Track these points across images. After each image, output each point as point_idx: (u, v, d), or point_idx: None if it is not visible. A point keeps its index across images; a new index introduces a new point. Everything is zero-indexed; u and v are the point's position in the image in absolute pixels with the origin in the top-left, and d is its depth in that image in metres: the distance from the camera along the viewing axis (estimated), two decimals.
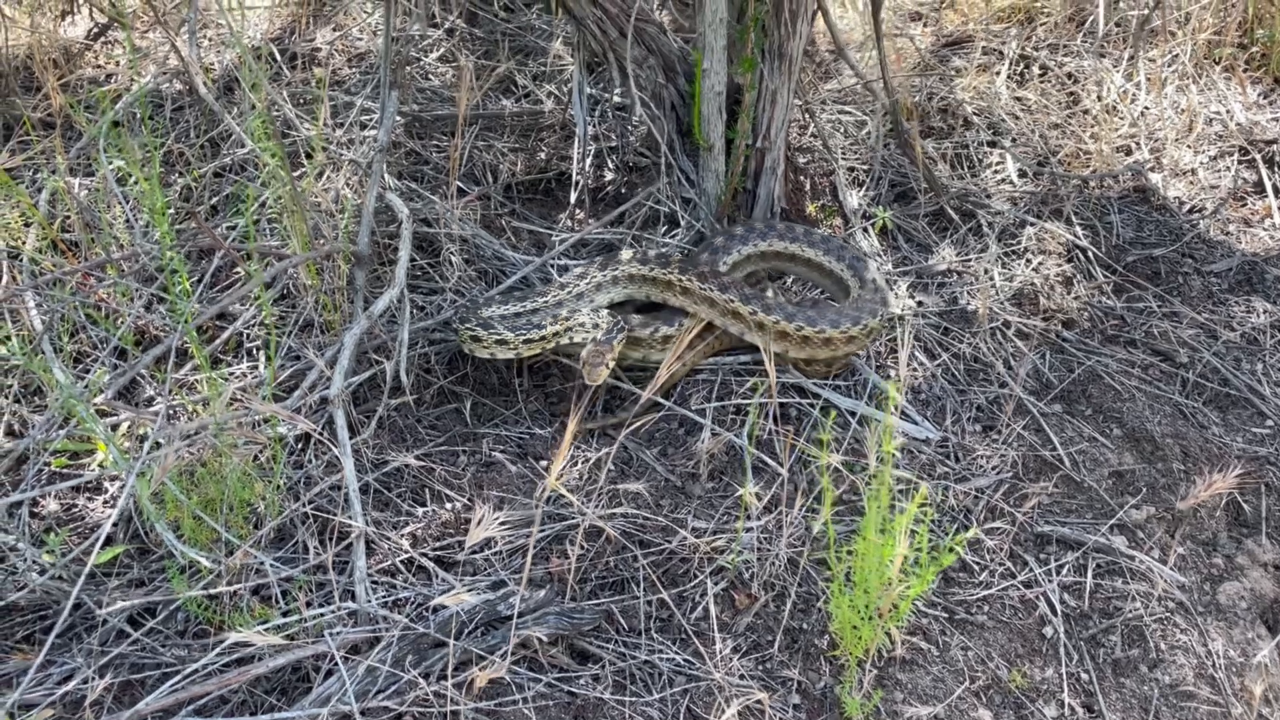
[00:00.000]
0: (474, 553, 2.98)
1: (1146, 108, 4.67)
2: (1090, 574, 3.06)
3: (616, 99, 4.49)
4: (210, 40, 4.71)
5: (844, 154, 4.43)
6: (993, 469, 3.31)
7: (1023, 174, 4.42)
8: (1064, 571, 3.06)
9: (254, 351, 3.50)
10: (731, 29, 3.60)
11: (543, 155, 4.40)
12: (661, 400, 3.42)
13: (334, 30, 4.89)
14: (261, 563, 2.75)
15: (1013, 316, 3.80)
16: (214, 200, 3.80)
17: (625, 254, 3.62)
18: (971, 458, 3.35)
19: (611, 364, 3.27)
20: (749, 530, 3.04)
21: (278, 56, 4.59)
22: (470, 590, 2.81)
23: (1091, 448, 3.43)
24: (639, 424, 3.36)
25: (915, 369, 3.63)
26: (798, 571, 2.95)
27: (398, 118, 4.36)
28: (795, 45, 3.69)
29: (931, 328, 3.77)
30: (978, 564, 3.06)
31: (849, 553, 2.87)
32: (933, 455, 3.36)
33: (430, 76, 4.75)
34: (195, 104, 4.10)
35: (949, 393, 3.56)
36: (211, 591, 2.52)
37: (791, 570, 2.96)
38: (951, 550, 2.75)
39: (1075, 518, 3.22)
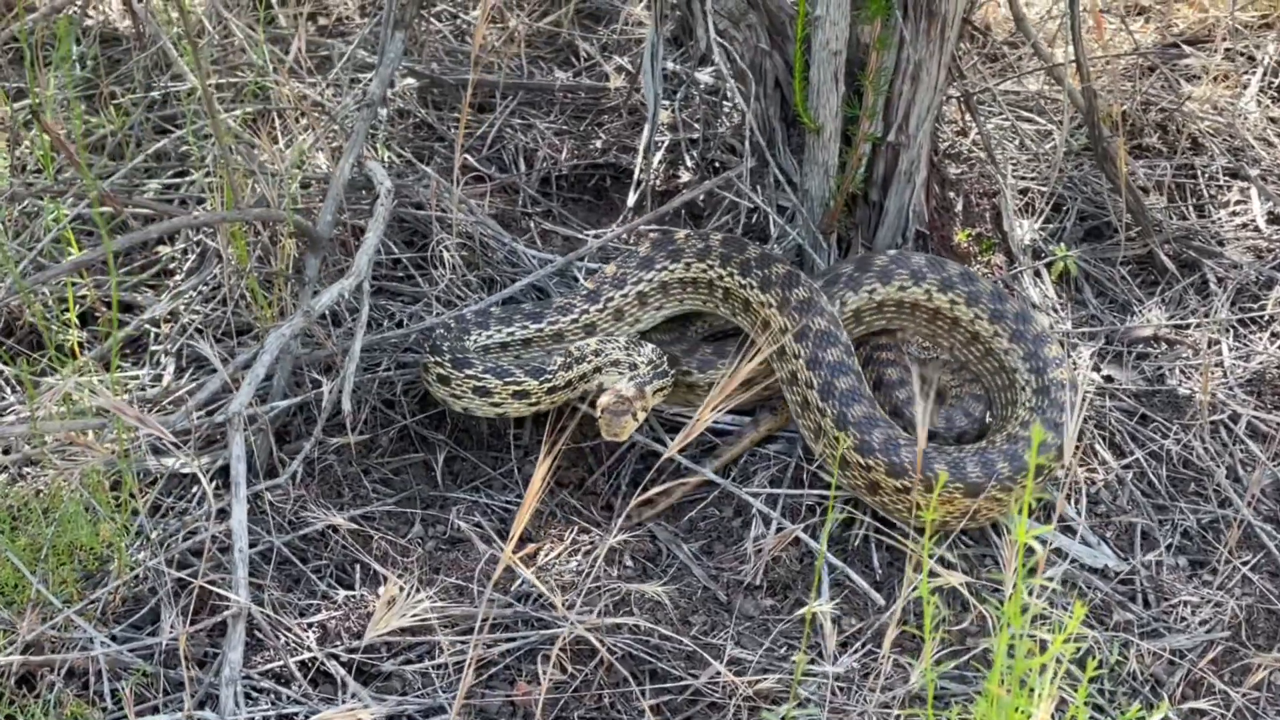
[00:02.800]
0: (407, 662, 2.57)
1: None
2: None
3: (706, 79, 4.16)
4: None
5: (1016, 170, 4.00)
6: (1201, 624, 2.80)
7: (1274, 219, 3.93)
8: None
9: (161, 357, 3.20)
10: None
11: (598, 143, 4.08)
12: (708, 473, 2.99)
13: None
14: (89, 638, 2.38)
15: (1245, 409, 3.29)
16: (139, 155, 3.54)
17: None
18: (1170, 604, 2.85)
19: (642, 415, 2.91)
20: (816, 674, 2.57)
21: None
22: (386, 712, 2.38)
23: None
24: (675, 499, 2.94)
25: (1095, 469, 3.13)
26: None
27: (409, 80, 4.10)
28: (952, 1, 3.31)
29: (1124, 414, 3.27)
30: None
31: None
32: (1111, 594, 2.85)
33: (466, 38, 4.51)
34: (140, 40, 3.90)
35: (1143, 507, 3.06)
36: None
37: None
38: None
39: None
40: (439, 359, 3.01)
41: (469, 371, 2.98)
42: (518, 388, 2.99)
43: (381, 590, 2.68)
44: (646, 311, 3.23)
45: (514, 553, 2.80)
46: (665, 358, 3.11)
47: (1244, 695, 2.65)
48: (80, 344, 3.13)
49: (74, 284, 3.12)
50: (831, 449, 2.90)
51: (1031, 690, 2.05)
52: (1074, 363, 3.40)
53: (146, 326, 3.24)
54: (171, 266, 3.41)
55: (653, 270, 3.22)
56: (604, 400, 2.91)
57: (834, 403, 2.91)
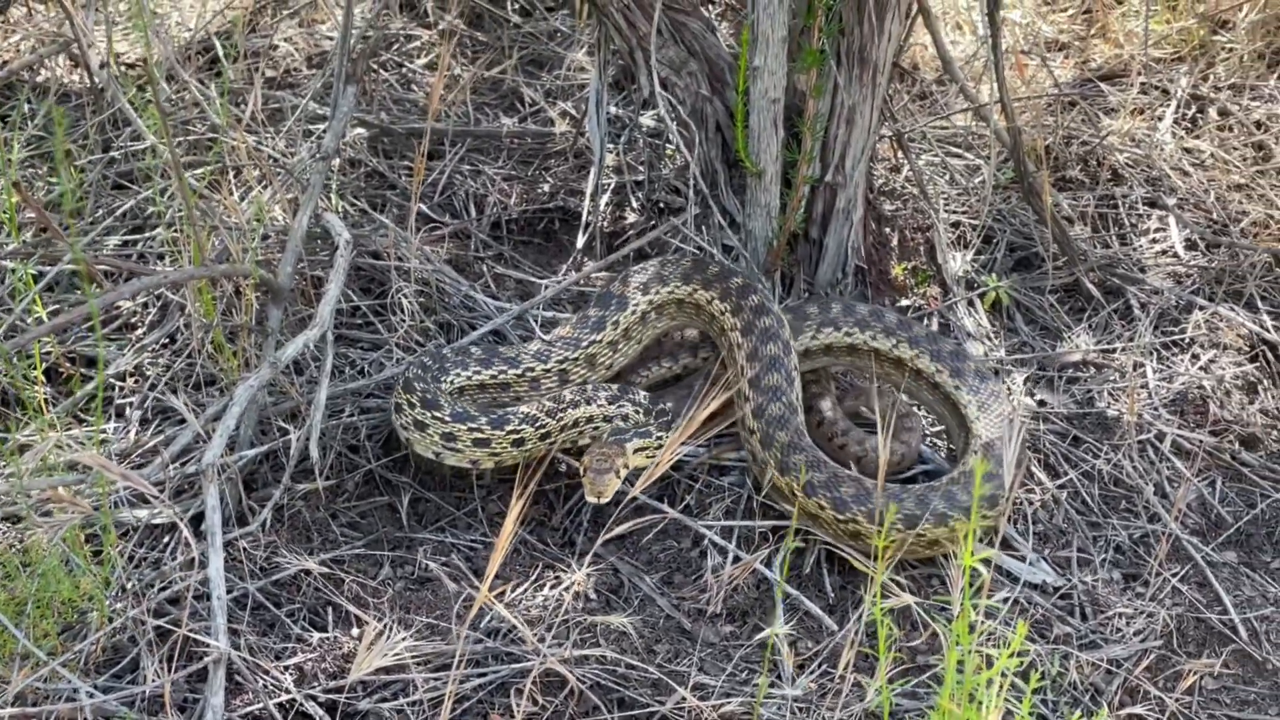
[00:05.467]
0: (383, 700, 2.66)
1: None
2: None
3: (649, 122, 4.30)
4: (135, 31, 4.64)
5: (947, 204, 4.17)
6: (1135, 634, 2.95)
7: (1191, 245, 4.12)
8: None
9: (127, 410, 3.27)
10: (796, 16, 3.39)
11: (546, 187, 4.21)
12: (664, 507, 3.11)
13: (299, 26, 4.81)
14: (75, 689, 2.45)
15: (1170, 428, 3.46)
16: (107, 216, 3.61)
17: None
18: (1105, 616, 3.00)
19: (624, 472, 2.95)
20: (776, 696, 2.69)
21: (220, 50, 4.49)
22: None
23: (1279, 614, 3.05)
24: (632, 533, 3.04)
25: (1032, 490, 3.29)
26: None
27: (359, 130, 4.21)
28: (882, 49, 3.47)
29: (1056, 435, 3.44)
30: None
31: None
32: (1050, 609, 3.00)
33: (413, 86, 4.62)
34: (96, 100, 3.97)
35: (1077, 525, 3.22)
36: None
37: None
38: None
39: (1254, 711, 2.84)
40: (410, 393, 3.08)
41: (467, 423, 3.05)
42: (517, 435, 3.06)
43: (355, 631, 2.78)
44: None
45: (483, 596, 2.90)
46: (657, 416, 3.15)
47: (1177, 700, 2.80)
48: (45, 400, 3.20)
49: (40, 342, 3.18)
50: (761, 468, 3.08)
51: (980, 703, 2.19)
52: (1013, 394, 3.56)
53: (111, 381, 3.31)
54: (133, 321, 3.48)
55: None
56: (586, 459, 2.96)
57: (763, 423, 3.07)
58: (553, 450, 3.11)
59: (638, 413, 3.14)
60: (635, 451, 3.02)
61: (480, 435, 3.01)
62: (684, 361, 3.49)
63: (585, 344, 3.22)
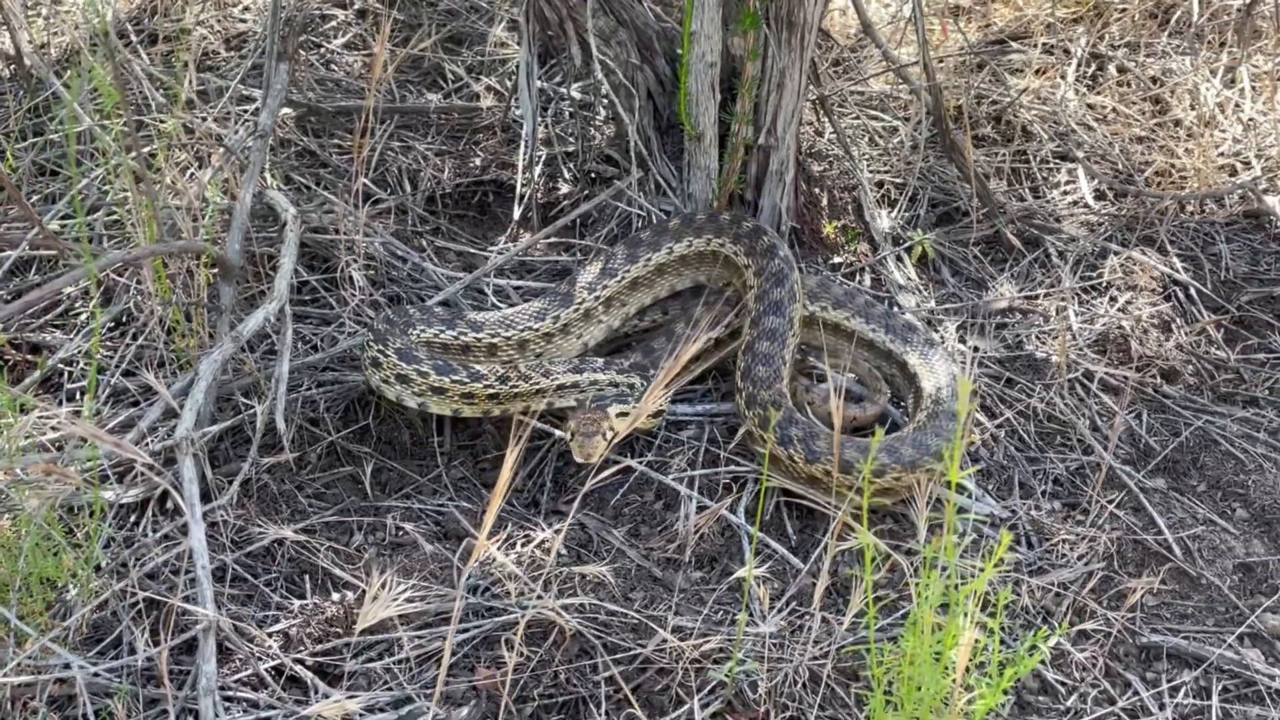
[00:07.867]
0: (370, 660, 2.72)
1: (1254, 118, 4.63)
2: (1216, 697, 2.85)
3: (576, 94, 4.38)
4: (49, 18, 4.58)
5: (870, 165, 4.33)
6: (1079, 558, 3.13)
7: (1100, 195, 4.34)
8: (1180, 695, 2.86)
9: (78, 395, 3.27)
10: None
11: (477, 161, 4.27)
12: (629, 461, 3.21)
13: (213, 8, 4.79)
14: (66, 664, 2.47)
15: (1096, 366, 3.66)
16: (33, 200, 3.59)
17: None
18: (1050, 543, 3.17)
19: (610, 435, 3.06)
20: (750, 634, 2.81)
21: (133, 38, 4.46)
22: (360, 705, 2.53)
23: (1209, 533, 3.26)
24: (596, 489, 3.14)
25: (971, 430, 3.45)
26: (820, 688, 2.71)
27: (288, 109, 4.22)
28: (810, 12, 3.60)
29: (991, 379, 3.61)
30: (1063, 684, 2.86)
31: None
32: (998, 540, 3.15)
33: (333, 65, 4.64)
34: (18, 82, 3.94)
35: (1017, 461, 3.39)
36: None
37: (812, 687, 2.72)
38: (1034, 649, 2.53)
39: (1192, 624, 3.03)
40: (381, 341, 3.18)
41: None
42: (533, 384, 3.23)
43: (336, 596, 2.84)
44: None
45: (464, 553, 2.98)
46: (637, 385, 3.29)
47: (1123, 617, 2.99)
48: None
49: None
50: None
51: (963, 614, 2.32)
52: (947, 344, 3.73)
53: (60, 366, 3.30)
54: (75, 308, 3.47)
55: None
56: (573, 424, 3.07)
57: (748, 358, 3.27)
58: (550, 407, 3.27)
59: (644, 385, 3.28)
60: (618, 416, 3.12)
61: (494, 391, 3.17)
62: (672, 312, 3.62)
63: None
